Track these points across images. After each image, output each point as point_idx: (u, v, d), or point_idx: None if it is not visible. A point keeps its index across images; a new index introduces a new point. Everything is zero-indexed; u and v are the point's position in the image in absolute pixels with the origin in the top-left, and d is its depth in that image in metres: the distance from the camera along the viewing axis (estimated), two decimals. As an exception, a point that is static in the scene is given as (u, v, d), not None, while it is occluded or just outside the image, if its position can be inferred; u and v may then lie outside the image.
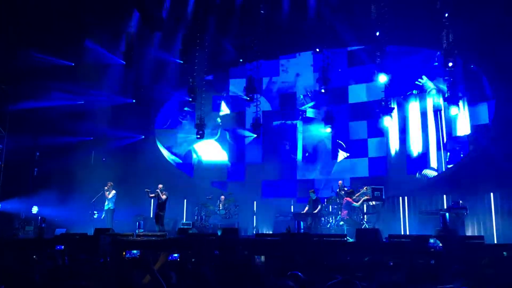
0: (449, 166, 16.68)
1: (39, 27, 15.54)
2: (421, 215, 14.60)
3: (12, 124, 17.08)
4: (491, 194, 14.44)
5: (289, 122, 20.41)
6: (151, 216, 16.74)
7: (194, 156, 20.83)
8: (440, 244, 4.41)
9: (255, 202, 18.49)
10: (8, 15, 14.64)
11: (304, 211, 15.40)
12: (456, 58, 14.38)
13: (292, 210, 17.71)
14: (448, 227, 11.76)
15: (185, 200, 18.48)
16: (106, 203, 15.24)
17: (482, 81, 15.99)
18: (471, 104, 16.18)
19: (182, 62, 18.19)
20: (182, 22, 17.90)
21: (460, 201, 12.65)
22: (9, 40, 15.41)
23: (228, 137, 20.83)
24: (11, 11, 14.64)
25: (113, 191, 15.24)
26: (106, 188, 15.22)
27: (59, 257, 6.87)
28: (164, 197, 14.84)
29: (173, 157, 20.61)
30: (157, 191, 14.82)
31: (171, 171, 19.97)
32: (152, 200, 16.03)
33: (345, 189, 15.54)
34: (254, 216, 17.93)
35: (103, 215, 15.44)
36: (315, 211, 14.91)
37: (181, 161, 20.64)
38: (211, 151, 20.78)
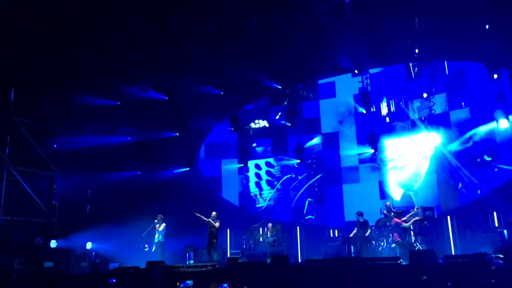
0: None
1: (83, 69, 16.19)
2: (476, 234, 13.94)
3: (63, 164, 17.83)
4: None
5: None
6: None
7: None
8: (501, 262, 4.21)
9: (301, 228, 18.18)
10: (50, 60, 15.41)
11: (351, 235, 14.99)
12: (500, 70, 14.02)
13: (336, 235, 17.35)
14: (508, 244, 11.24)
15: (229, 229, 18.02)
16: (157, 235, 15.34)
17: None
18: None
19: (222, 93, 18.46)
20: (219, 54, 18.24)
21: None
22: (58, 83, 16.17)
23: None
24: (53, 56, 15.38)
25: (163, 224, 15.34)
26: (156, 221, 15.37)
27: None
28: (217, 224, 14.62)
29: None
30: (210, 220, 14.67)
31: (217, 201, 20.12)
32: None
33: (394, 210, 15.15)
34: (303, 243, 17.63)
35: (154, 248, 15.61)
36: (366, 234, 14.49)
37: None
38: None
